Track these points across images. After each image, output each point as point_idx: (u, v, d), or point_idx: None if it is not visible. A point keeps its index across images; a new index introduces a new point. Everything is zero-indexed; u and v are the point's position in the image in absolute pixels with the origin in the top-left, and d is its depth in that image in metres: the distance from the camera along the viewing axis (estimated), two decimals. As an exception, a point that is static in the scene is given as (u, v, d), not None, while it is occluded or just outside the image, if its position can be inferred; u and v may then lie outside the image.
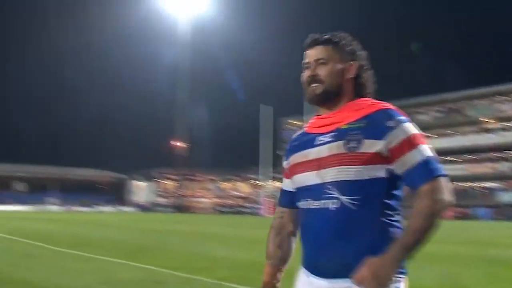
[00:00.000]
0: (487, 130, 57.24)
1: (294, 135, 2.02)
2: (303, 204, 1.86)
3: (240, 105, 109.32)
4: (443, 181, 1.69)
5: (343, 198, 1.72)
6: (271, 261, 2.02)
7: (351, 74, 1.88)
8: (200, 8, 64.20)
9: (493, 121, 56.95)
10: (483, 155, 56.79)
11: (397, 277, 1.66)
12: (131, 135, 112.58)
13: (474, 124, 57.77)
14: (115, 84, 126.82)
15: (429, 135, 53.42)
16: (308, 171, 1.82)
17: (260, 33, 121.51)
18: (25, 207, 64.01)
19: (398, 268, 1.62)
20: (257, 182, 71.24)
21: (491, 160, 56.57)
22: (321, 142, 1.81)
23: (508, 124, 55.20)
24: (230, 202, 75.58)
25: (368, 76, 1.93)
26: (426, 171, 1.68)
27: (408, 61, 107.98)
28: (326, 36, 1.89)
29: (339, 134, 1.77)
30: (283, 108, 69.90)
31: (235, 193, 79.26)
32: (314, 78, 1.86)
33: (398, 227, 1.75)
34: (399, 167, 1.71)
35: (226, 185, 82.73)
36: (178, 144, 76.60)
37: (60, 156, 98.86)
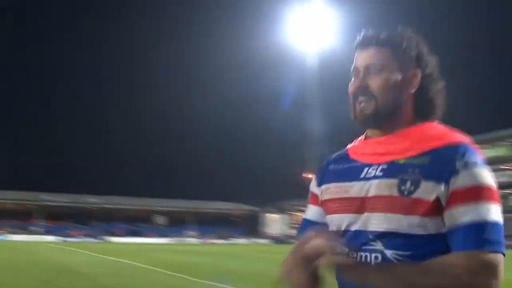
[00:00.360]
0: None
1: (332, 156, 1.56)
2: None
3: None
4: (497, 261, 1.20)
5: (389, 252, 1.29)
6: None
7: (414, 87, 1.40)
8: (327, 41, 64.67)
9: None
10: None
11: None
12: (264, 169, 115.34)
13: None
14: (244, 119, 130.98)
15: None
16: (346, 213, 1.39)
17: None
18: (165, 239, 67.55)
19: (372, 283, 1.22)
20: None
21: None
22: (369, 176, 1.36)
23: None
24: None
25: (438, 91, 1.43)
26: (478, 237, 1.20)
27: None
28: (383, 35, 1.41)
29: (394, 170, 1.32)
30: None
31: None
32: (363, 91, 1.39)
33: None
34: (447, 218, 1.25)
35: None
36: (310, 176, 76.79)
37: (196, 191, 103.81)
